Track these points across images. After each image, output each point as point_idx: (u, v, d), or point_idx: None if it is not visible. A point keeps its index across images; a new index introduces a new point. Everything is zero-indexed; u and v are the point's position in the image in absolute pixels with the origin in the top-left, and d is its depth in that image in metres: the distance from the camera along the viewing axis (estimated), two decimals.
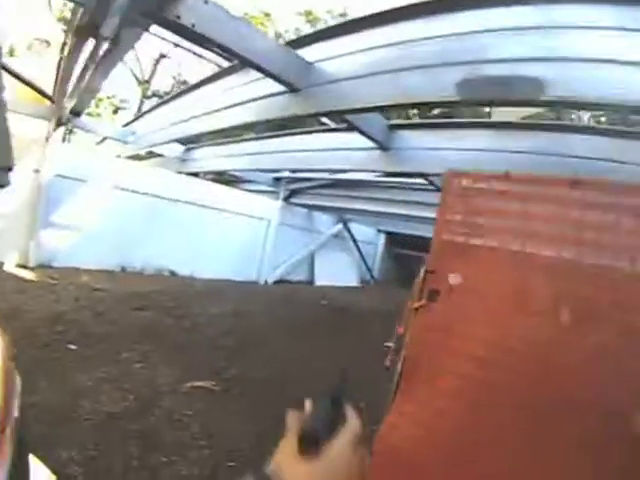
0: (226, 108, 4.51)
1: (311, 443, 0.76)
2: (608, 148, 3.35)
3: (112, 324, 5.33)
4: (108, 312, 5.71)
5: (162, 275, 8.86)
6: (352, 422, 0.82)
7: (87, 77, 4.37)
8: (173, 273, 9.12)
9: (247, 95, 4.13)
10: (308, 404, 0.82)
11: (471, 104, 2.61)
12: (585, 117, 12.87)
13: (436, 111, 15.67)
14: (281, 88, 3.56)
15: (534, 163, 3.67)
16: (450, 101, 2.67)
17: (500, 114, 4.86)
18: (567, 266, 1.66)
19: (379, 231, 15.90)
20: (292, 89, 3.49)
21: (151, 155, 9.99)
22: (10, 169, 0.51)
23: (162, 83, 20.27)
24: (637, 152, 3.21)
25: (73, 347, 4.39)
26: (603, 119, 15.05)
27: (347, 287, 13.06)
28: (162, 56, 19.49)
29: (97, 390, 3.63)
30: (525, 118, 4.23)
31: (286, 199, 10.77)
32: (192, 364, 4.64)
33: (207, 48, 3.63)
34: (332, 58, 3.33)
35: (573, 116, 9.89)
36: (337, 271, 13.38)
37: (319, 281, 12.53)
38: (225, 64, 4.62)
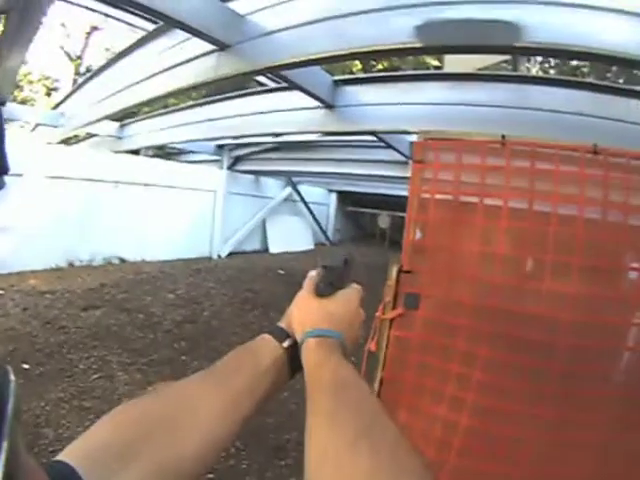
0: (154, 76, 4.02)
1: (326, 287, 0.88)
2: (572, 101, 3.16)
3: (63, 332, 4.87)
4: (58, 318, 5.23)
5: (112, 264, 8.26)
6: (357, 285, 0.94)
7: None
8: (123, 260, 8.53)
9: (175, 59, 3.67)
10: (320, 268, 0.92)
11: (434, 52, 2.27)
12: (534, 70, 12.89)
13: (380, 66, 15.33)
14: (210, 47, 3.13)
15: (493, 117, 3.44)
16: (408, 49, 2.32)
17: (451, 65, 4.54)
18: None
19: (330, 191, 15.61)
20: (222, 46, 3.06)
21: (87, 136, 9.14)
22: (5, 172, 0.44)
23: (96, 58, 18.76)
24: (605, 106, 3.04)
25: (26, 366, 3.96)
26: (552, 71, 15.22)
27: (303, 251, 12.81)
28: (94, 29, 18.13)
29: (57, 414, 3.29)
30: (480, 69, 3.92)
31: (231, 167, 10.19)
32: (152, 365, 4.29)
33: (127, 10, 3.17)
34: (265, 8, 2.92)
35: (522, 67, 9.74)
36: (291, 236, 13.05)
37: (274, 248, 12.18)
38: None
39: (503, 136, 1.39)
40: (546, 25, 1.98)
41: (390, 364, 1.60)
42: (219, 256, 10.42)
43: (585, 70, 14.78)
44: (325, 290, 0.89)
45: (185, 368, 4.29)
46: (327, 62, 3.25)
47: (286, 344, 0.84)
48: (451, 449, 1.47)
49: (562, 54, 2.09)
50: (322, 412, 0.62)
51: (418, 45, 2.24)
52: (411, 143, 6.38)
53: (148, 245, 8.91)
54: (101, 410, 3.29)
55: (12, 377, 0.32)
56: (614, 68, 14.09)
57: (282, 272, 9.51)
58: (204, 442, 0.68)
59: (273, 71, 3.30)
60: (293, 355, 0.83)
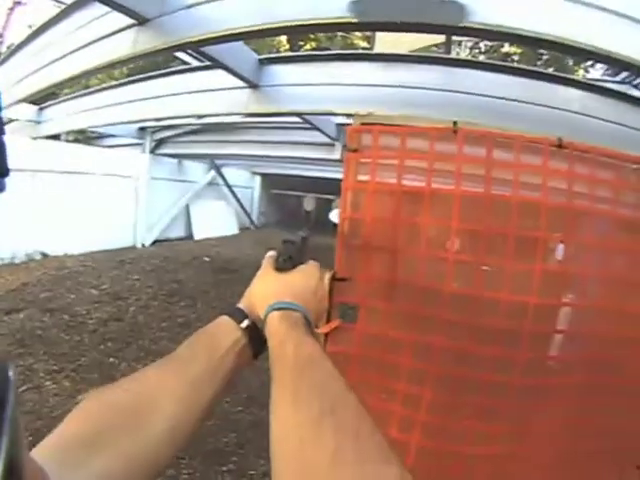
0: (72, 53, 3.70)
1: (285, 261, 0.90)
2: (501, 85, 3.18)
3: None
4: None
5: (34, 260, 7.57)
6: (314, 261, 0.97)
7: None
8: (45, 255, 7.84)
9: (93, 35, 3.38)
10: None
11: (368, 28, 2.14)
12: (463, 54, 13.11)
13: (308, 46, 15.09)
14: (129, 21, 2.87)
15: (423, 100, 3.38)
16: (341, 24, 2.19)
17: (382, 46, 4.44)
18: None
19: (254, 174, 15.26)
20: (141, 20, 2.81)
21: (7, 121, 8.23)
22: (5, 175, 0.47)
23: (19, 36, 17.04)
24: (541, 93, 3.09)
25: None
26: (482, 57, 15.58)
27: (228, 236, 12.54)
28: (17, 3, 16.45)
29: None
30: (414, 51, 3.85)
31: (153, 151, 9.59)
32: (79, 370, 3.98)
33: None
34: None
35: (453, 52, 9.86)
36: (215, 221, 12.67)
37: (198, 234, 11.77)
38: None
39: (455, 122, 1.24)
40: (491, 6, 1.93)
41: None
42: (143, 245, 9.90)
43: (515, 58, 15.28)
44: (285, 264, 0.91)
45: (114, 371, 4.02)
46: (253, 37, 3.05)
47: (244, 324, 0.85)
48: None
49: (507, 38, 2.04)
50: (286, 389, 0.62)
51: (353, 20, 2.11)
52: (338, 125, 6.32)
53: (71, 237, 8.25)
54: (34, 428, 2.98)
55: (12, 373, 0.32)
56: (545, 57, 14.69)
57: (207, 259, 9.26)
58: (167, 427, 0.68)
59: (194, 47, 3.08)
60: (254, 335, 0.84)
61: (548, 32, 1.89)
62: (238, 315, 0.86)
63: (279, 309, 0.80)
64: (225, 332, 0.83)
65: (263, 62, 3.99)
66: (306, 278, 0.90)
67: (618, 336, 1.25)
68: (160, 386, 0.72)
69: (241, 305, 0.90)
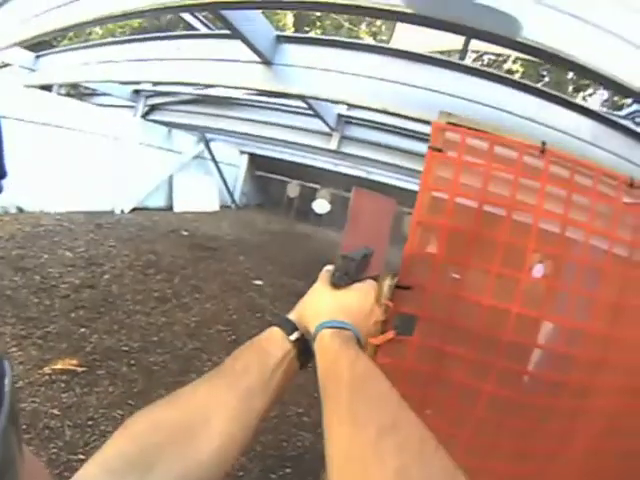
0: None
1: (341, 277, 0.87)
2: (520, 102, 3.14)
3: None
4: None
5: (10, 214, 7.19)
6: (374, 281, 0.94)
7: None
8: (21, 210, 7.46)
9: None
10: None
11: (419, 22, 2.00)
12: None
13: (313, 33, 14.86)
14: None
15: (438, 103, 3.25)
16: (389, 11, 2.01)
17: (398, 43, 4.33)
18: None
19: (242, 152, 14.96)
20: None
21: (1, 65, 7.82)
22: (3, 177, 0.49)
23: None
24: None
25: None
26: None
27: (208, 212, 12.30)
28: None
29: None
30: (434, 52, 3.75)
31: (144, 116, 9.23)
32: (48, 338, 3.75)
33: None
34: None
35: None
36: (197, 195, 12.38)
37: (179, 207, 11.48)
38: None
39: (544, 142, 1.13)
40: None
41: None
42: (122, 211, 9.55)
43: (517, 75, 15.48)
44: (340, 280, 0.87)
45: (84, 342, 3.81)
46: (273, 7, 2.89)
47: (294, 337, 0.83)
48: None
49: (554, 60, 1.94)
50: (342, 408, 0.59)
51: (406, 10, 1.95)
52: (339, 115, 6.22)
53: (49, 194, 7.87)
54: None
55: (9, 368, 0.32)
56: (546, 79, 14.92)
57: (186, 233, 9.04)
58: (221, 445, 0.65)
59: (211, 10, 2.89)
60: (302, 347, 0.83)
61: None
62: (288, 326, 0.85)
63: (331, 327, 0.78)
64: (276, 344, 0.81)
65: (280, 39, 3.80)
66: (362, 298, 0.88)
67: None
68: (211, 402, 0.69)
69: (291, 316, 0.88)
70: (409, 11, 1.94)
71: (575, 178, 1.13)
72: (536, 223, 1.11)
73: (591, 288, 1.20)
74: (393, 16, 2.05)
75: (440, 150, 1.13)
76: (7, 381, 0.31)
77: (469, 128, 1.12)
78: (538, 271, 1.25)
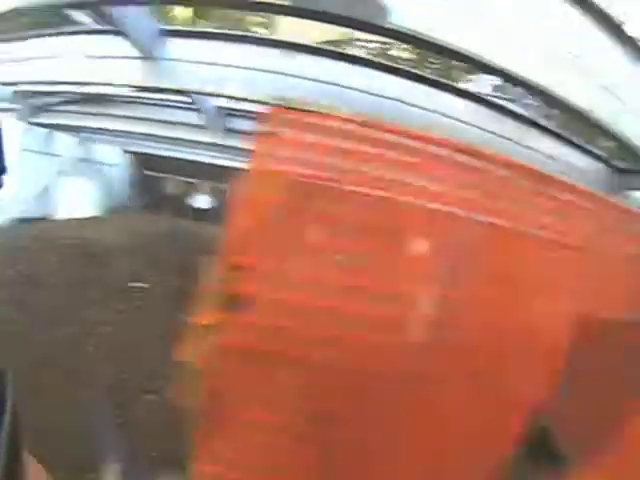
0: None
1: None
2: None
3: None
4: None
5: None
6: None
7: None
8: None
9: None
10: None
11: (299, 15, 2.17)
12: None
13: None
14: None
15: (310, 91, 3.52)
16: (270, 4, 2.19)
17: (285, 34, 4.46)
18: None
19: (125, 152, 14.31)
20: None
21: None
22: (3, 172, 0.52)
23: None
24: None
25: None
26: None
27: (94, 218, 11.42)
28: None
29: None
30: (321, 43, 3.94)
31: (26, 119, 8.51)
32: None
33: None
34: None
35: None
36: (82, 200, 11.71)
37: (64, 213, 10.75)
38: None
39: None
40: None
41: (213, 375, 1.39)
42: (6, 221, 8.73)
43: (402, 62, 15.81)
44: None
45: None
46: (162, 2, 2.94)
47: None
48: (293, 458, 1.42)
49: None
50: None
51: (287, 3, 2.13)
52: (218, 108, 6.15)
53: None
54: None
55: (11, 377, 0.33)
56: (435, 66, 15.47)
57: (71, 242, 8.46)
58: None
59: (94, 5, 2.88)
60: None
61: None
62: None
63: None
64: None
65: (164, 33, 3.82)
66: None
67: None
68: None
69: None
70: (286, 3, 2.12)
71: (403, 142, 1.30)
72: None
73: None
74: (270, 9, 2.21)
75: (273, 134, 1.26)
76: (9, 390, 0.32)
77: (303, 111, 1.25)
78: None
